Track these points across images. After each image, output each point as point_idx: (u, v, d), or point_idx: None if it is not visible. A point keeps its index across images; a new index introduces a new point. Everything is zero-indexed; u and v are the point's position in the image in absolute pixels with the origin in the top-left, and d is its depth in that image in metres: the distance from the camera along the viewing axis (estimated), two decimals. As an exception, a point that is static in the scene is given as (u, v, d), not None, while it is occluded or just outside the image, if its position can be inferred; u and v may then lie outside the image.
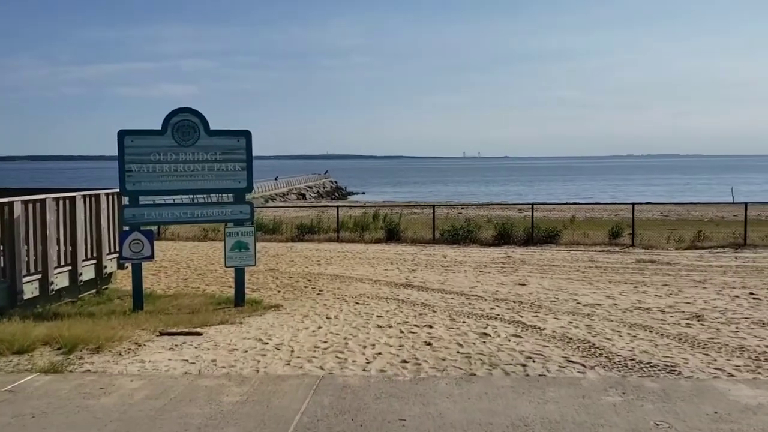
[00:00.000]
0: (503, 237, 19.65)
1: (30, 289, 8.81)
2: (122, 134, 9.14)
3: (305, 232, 21.19)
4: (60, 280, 9.45)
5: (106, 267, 10.65)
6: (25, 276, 8.68)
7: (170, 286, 12.04)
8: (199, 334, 7.31)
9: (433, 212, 20.79)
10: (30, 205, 8.78)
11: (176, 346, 6.70)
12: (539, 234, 19.71)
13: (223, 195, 10.95)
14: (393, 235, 20.47)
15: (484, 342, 6.82)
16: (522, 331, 7.51)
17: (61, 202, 9.48)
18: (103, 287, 10.93)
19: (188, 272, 13.67)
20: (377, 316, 8.74)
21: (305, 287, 11.69)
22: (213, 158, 9.54)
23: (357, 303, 9.94)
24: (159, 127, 9.32)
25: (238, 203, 9.81)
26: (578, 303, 9.70)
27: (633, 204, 21.24)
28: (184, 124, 9.40)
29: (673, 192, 70.95)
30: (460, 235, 19.94)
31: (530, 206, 21.54)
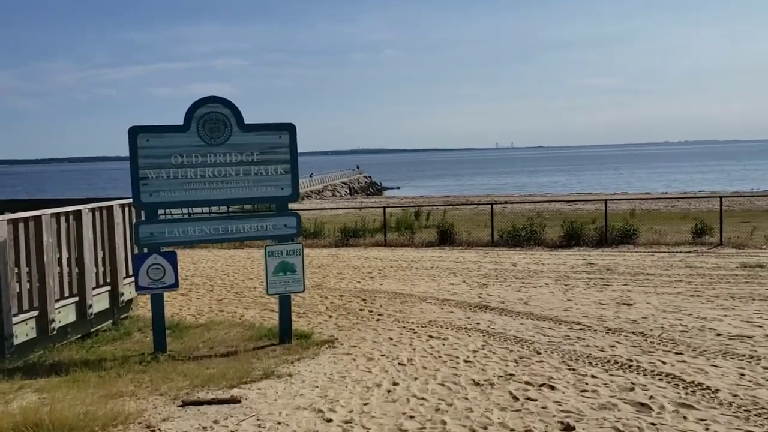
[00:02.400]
0: (572, 237, 17.44)
1: (24, 330, 6.96)
2: (135, 132, 7.22)
3: (349, 236, 19.25)
4: (63, 315, 7.60)
5: (122, 294, 8.79)
6: (16, 315, 6.82)
7: (202, 310, 10.18)
8: (237, 401, 5.35)
9: (491, 211, 18.60)
10: (21, 225, 6.93)
11: (204, 429, 4.73)
12: (613, 233, 17.46)
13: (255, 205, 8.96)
14: (446, 238, 18.39)
15: (653, 424, 4.68)
16: (687, 394, 5.35)
17: (62, 219, 7.62)
18: (122, 316, 9.10)
19: (223, 290, 11.80)
20: (465, 362, 6.68)
21: (361, 310, 9.72)
22: (249, 159, 7.59)
23: (430, 336, 7.91)
24: (181, 122, 7.39)
25: (281, 215, 7.83)
26: (719, 334, 7.50)
27: (721, 197, 18.81)
28: (212, 117, 7.46)
29: (732, 180, 67.24)
30: (522, 237, 17.79)
31: (600, 201, 19.27)
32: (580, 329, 8.03)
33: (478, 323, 8.56)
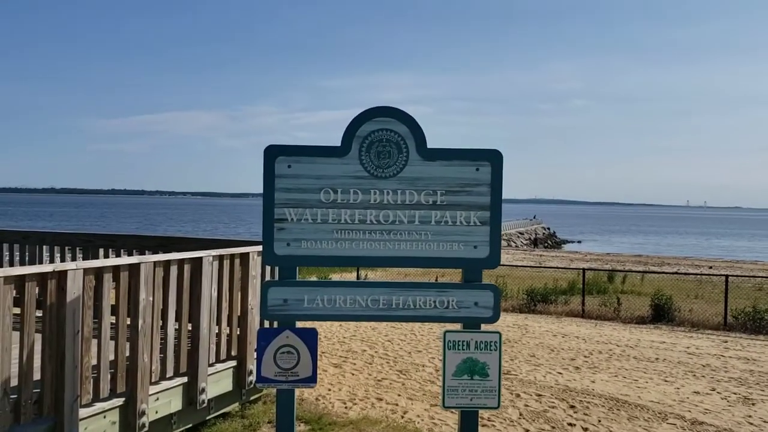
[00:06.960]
0: None
1: (99, 427, 4.88)
2: (272, 154, 4.99)
3: (537, 300, 16.15)
4: (163, 403, 5.49)
5: (252, 372, 6.60)
6: (88, 405, 4.78)
7: (355, 394, 7.78)
8: None
9: (726, 284, 14.60)
10: (107, 276, 4.92)
11: None
12: None
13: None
14: (662, 313, 14.69)
15: None
16: None
17: (173, 268, 5.57)
18: (253, 398, 6.93)
19: (384, 365, 9.35)
20: None
21: (571, 425, 6.76)
22: (430, 201, 5.06)
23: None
24: (338, 144, 5.07)
25: (471, 287, 5.18)
26: None
27: None
28: (382, 137, 5.05)
29: None
30: (765, 320, 13.68)
31: None
32: None
33: (778, 486, 5.27)
